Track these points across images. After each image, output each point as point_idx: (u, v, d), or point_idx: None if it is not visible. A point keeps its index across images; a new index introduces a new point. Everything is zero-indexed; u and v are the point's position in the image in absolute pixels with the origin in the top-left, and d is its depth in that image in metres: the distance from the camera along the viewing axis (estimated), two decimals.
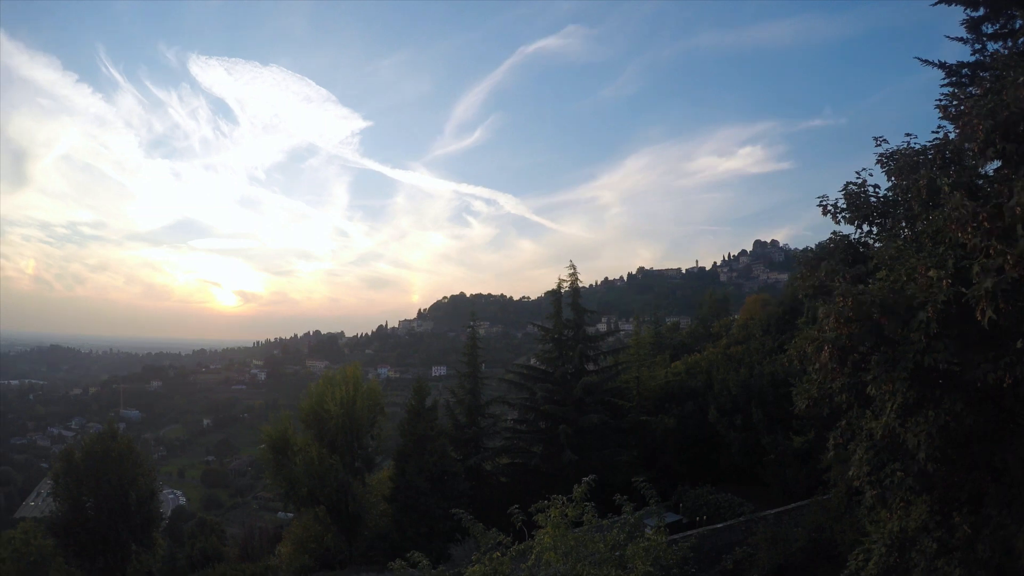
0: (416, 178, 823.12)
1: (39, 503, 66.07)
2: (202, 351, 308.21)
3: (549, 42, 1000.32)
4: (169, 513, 65.34)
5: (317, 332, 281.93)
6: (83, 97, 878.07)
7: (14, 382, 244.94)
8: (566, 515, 10.17)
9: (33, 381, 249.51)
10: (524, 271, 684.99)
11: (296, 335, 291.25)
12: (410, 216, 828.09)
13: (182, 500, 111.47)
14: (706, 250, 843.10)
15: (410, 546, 13.67)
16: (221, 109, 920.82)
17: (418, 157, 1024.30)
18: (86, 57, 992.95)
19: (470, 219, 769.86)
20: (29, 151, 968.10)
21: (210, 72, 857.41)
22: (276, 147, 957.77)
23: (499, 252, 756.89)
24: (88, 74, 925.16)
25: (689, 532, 19.89)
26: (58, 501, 31.07)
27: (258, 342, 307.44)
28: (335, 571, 29.69)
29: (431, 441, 29.31)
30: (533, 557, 10.06)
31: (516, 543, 10.64)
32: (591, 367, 32.75)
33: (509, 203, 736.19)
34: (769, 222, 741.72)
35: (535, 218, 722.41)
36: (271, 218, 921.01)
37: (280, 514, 74.48)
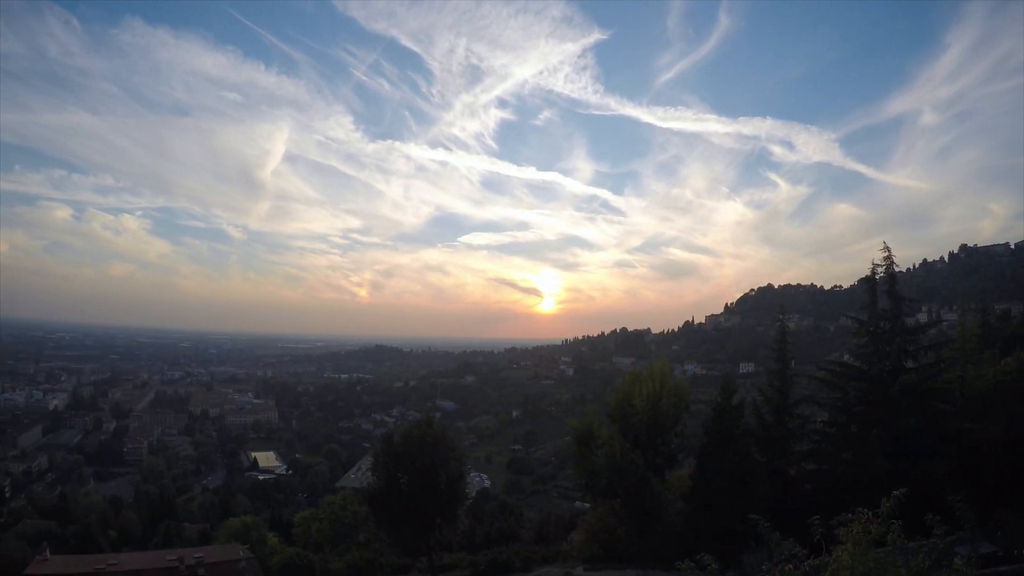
0: (680, 119, 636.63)
1: (358, 476, 75.49)
2: (513, 349, 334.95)
3: None
4: (474, 494, 71.19)
5: (624, 329, 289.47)
6: (259, 74, 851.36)
7: (344, 376, 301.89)
8: (869, 532, 9.23)
9: (360, 375, 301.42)
10: (841, 247, 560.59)
11: (603, 332, 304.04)
12: (691, 179, 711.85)
13: (487, 483, 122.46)
14: None
15: (702, 547, 13.44)
16: (401, 55, 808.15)
17: (666, 70, 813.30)
18: (229, 24, 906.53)
19: (771, 175, 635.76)
20: (252, 160, 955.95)
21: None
22: (492, 95, 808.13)
23: (809, 223, 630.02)
24: (248, 47, 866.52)
25: (1003, 567, 16.76)
26: (376, 475, 34.43)
27: (566, 339, 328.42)
28: (623, 564, 30.22)
29: (735, 441, 28.32)
30: (827, 574, 9.40)
31: (812, 557, 10.02)
32: (910, 364, 28.90)
33: (810, 143, 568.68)
34: None
35: (848, 163, 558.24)
36: (522, 199, 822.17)
37: (577, 504, 78.06)
